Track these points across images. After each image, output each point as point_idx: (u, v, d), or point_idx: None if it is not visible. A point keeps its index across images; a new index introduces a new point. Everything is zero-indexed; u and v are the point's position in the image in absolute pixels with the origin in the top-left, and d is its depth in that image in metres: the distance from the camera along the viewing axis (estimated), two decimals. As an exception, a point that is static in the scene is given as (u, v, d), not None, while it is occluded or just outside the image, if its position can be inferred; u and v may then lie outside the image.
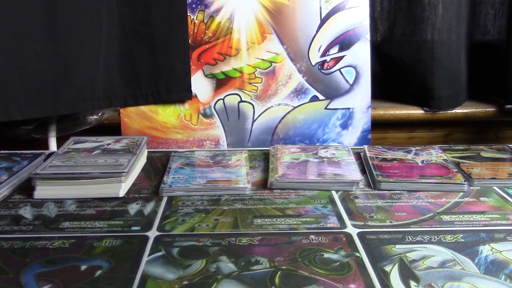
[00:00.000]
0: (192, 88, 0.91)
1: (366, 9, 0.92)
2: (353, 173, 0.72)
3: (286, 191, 0.70)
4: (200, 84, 0.92)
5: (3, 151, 0.82)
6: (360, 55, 0.92)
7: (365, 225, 0.60)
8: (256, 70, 0.92)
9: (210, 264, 0.51)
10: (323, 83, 0.93)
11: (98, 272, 0.50)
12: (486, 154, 0.82)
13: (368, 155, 0.79)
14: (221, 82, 0.92)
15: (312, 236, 0.57)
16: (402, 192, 0.69)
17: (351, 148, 0.82)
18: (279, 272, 0.49)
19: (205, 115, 0.93)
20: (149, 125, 0.92)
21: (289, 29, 0.91)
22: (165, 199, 0.67)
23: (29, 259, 0.52)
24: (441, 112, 0.96)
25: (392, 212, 0.63)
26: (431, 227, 0.59)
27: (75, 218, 0.62)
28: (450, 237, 0.56)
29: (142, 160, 0.80)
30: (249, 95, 0.93)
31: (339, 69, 0.92)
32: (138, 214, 0.63)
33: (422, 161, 0.77)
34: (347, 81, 0.93)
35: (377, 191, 0.70)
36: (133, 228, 0.59)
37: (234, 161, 0.78)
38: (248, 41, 0.91)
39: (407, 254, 0.53)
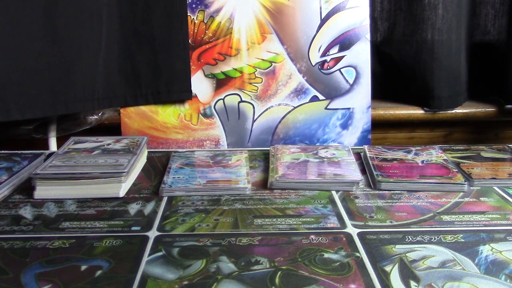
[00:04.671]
0: (192, 88, 0.92)
1: (366, 9, 0.92)
2: (353, 173, 0.72)
3: (286, 191, 0.70)
4: (200, 84, 0.92)
5: (3, 151, 0.82)
6: (360, 55, 0.92)
7: (365, 225, 0.60)
8: (256, 70, 0.92)
9: (210, 264, 0.51)
10: (323, 83, 0.93)
11: (98, 272, 0.50)
12: (486, 154, 0.82)
13: (368, 155, 0.79)
14: (221, 82, 0.92)
15: (312, 236, 0.57)
16: (402, 192, 0.69)
17: (351, 148, 0.82)
18: (279, 272, 0.49)
19: (205, 115, 0.93)
20: (149, 125, 0.92)
21: (289, 29, 0.91)
22: (165, 199, 0.67)
23: (29, 259, 0.52)
24: (441, 112, 0.96)
25: (392, 212, 0.63)
26: (431, 227, 0.59)
27: (75, 218, 0.62)
28: (450, 237, 0.56)
29: (142, 160, 0.80)
30: (249, 95, 0.93)
31: (339, 69, 0.93)
32: (138, 214, 0.63)
33: (422, 161, 0.77)
34: (347, 81, 0.93)
35: (377, 191, 0.70)
36: (133, 228, 0.59)
37: (234, 161, 0.78)
38: (248, 41, 0.91)
39: (407, 254, 0.53)
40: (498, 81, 0.99)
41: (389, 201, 0.67)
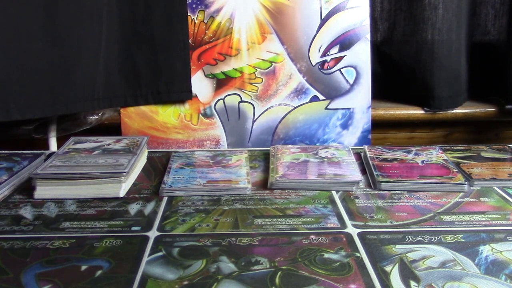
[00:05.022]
0: (192, 88, 0.91)
1: (366, 9, 0.92)
2: (353, 173, 0.72)
3: (286, 191, 0.70)
4: (200, 84, 0.92)
5: (3, 151, 0.82)
6: (361, 55, 0.92)
7: (365, 225, 0.60)
8: (257, 70, 0.92)
9: (210, 264, 0.51)
10: (323, 83, 0.93)
11: (98, 272, 0.50)
12: (487, 154, 0.82)
13: (368, 155, 0.79)
14: (221, 82, 0.92)
15: (313, 236, 0.57)
16: (402, 192, 0.69)
17: (351, 148, 0.82)
18: (279, 272, 0.49)
19: (205, 115, 0.93)
20: (149, 125, 0.92)
21: (290, 29, 0.91)
22: (165, 199, 0.67)
23: (29, 259, 0.52)
24: (441, 112, 0.96)
25: (392, 212, 0.63)
26: (432, 227, 0.59)
27: (75, 218, 0.62)
28: (451, 237, 0.56)
29: (142, 160, 0.80)
30: (249, 95, 0.93)
31: (340, 69, 0.92)
32: (138, 214, 0.63)
33: (422, 161, 0.77)
34: (347, 81, 0.93)
35: (377, 191, 0.70)
36: (134, 228, 0.59)
37: (235, 161, 0.78)
38: (248, 41, 0.91)
39: (407, 254, 0.53)
40: (498, 81, 0.99)
41: (389, 201, 0.67)
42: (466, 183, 0.69)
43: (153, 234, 0.58)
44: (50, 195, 0.67)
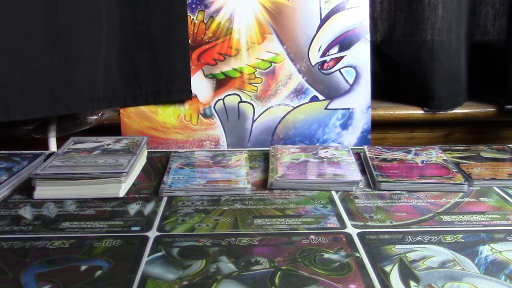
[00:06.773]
0: (192, 88, 0.92)
1: (366, 9, 0.92)
2: (353, 173, 0.72)
3: (286, 191, 0.70)
4: (200, 84, 0.92)
5: (3, 151, 0.82)
6: (360, 55, 0.92)
7: (365, 225, 0.60)
8: (256, 70, 0.92)
9: (210, 264, 0.51)
10: (323, 83, 0.93)
11: (98, 272, 0.50)
12: (486, 154, 0.82)
13: (368, 155, 0.79)
14: (221, 82, 0.92)
15: (312, 236, 0.57)
16: (402, 192, 0.69)
17: (351, 148, 0.82)
18: (279, 273, 0.49)
19: (205, 115, 0.93)
20: (149, 125, 0.92)
21: (289, 29, 0.91)
22: (165, 199, 0.67)
23: (29, 259, 0.52)
24: (441, 112, 0.96)
25: (392, 212, 0.63)
26: (431, 227, 0.59)
27: (75, 218, 0.62)
28: (450, 237, 0.56)
29: (142, 160, 0.80)
30: (249, 95, 0.93)
31: (339, 69, 0.92)
32: (138, 214, 0.63)
33: (422, 161, 0.77)
34: (347, 81, 0.93)
35: (377, 192, 0.70)
36: (133, 228, 0.59)
37: (234, 161, 0.78)
38: (248, 41, 0.91)
39: (407, 254, 0.53)
40: (498, 81, 0.99)
41: (389, 201, 0.67)
42: (465, 183, 0.69)
43: (152, 234, 0.58)
44: (49, 195, 0.67)
